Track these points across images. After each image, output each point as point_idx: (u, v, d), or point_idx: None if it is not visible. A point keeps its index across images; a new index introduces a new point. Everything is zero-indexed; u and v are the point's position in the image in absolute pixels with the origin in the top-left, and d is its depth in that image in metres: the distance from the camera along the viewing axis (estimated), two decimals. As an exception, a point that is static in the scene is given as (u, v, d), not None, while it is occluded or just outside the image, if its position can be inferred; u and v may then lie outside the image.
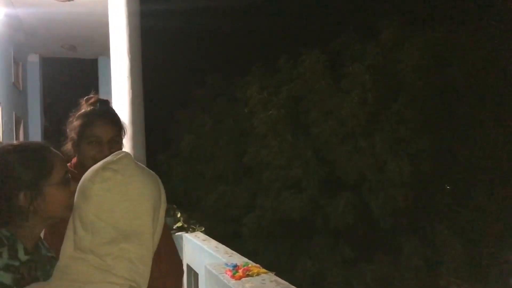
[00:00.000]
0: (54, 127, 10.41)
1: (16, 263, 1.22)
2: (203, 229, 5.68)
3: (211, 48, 19.12)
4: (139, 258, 1.00)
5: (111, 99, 7.78)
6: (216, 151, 15.86)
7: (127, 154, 1.10)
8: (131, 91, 5.01)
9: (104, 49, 8.75)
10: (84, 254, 0.99)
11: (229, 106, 16.52)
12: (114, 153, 1.12)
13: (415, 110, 12.85)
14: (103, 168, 1.04)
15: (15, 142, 1.39)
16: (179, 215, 5.64)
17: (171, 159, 16.22)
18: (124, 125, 1.98)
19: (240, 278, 3.09)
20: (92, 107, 1.91)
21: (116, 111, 2.01)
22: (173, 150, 16.55)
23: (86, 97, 1.97)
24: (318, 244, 13.32)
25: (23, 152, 1.31)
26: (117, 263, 0.98)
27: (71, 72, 11.68)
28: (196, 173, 15.93)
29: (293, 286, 2.89)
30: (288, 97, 14.19)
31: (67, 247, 1.04)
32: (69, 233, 1.07)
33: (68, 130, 1.93)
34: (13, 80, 7.13)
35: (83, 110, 1.92)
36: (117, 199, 1.00)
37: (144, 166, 1.13)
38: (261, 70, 15.36)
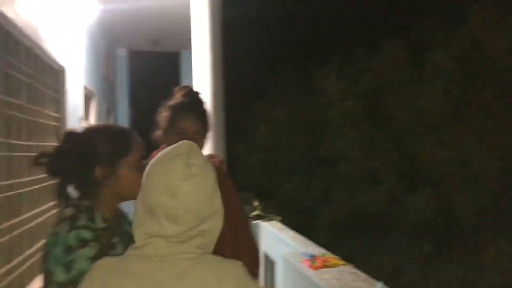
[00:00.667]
0: (139, 117, 11.02)
1: (94, 227, 1.39)
2: (279, 218, 5.74)
3: (287, 38, 19.00)
4: (209, 231, 1.12)
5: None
6: (291, 142, 15.89)
7: (193, 144, 1.17)
8: (212, 84, 5.14)
9: (187, 43, 9.10)
10: (181, 237, 1.09)
11: (306, 97, 16.44)
12: (180, 143, 1.17)
13: (504, 101, 11.98)
14: (188, 165, 1.10)
15: (103, 123, 1.58)
16: (256, 203, 5.74)
17: (247, 150, 16.50)
18: (210, 119, 2.06)
19: (318, 268, 3.08)
20: (182, 98, 2.00)
21: (204, 103, 2.07)
22: (249, 141, 16.81)
23: (180, 86, 2.07)
24: (395, 239, 12.94)
25: (107, 132, 1.51)
26: (193, 238, 1.09)
27: (155, 65, 12.23)
28: (272, 164, 16.08)
29: (372, 279, 2.85)
30: (366, 87, 13.86)
31: (152, 228, 1.10)
32: (138, 216, 1.14)
33: (158, 118, 2.05)
34: (104, 74, 7.62)
35: (173, 101, 2.03)
36: (200, 191, 1.09)
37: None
38: (338, 60, 15.09)
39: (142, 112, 12.38)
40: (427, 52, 13.44)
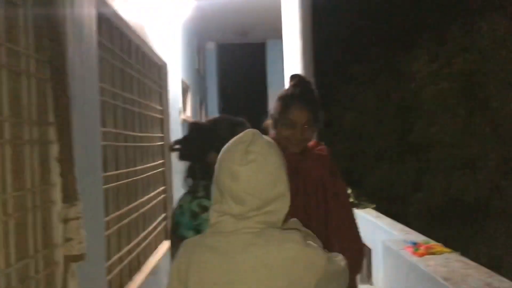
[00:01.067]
0: (227, 107, 11.41)
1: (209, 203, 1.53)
2: (374, 206, 5.68)
3: (373, 20, 18.30)
4: (274, 212, 1.23)
5: (279, 80, 8.17)
6: (379, 129, 15.43)
7: (257, 132, 1.27)
8: (303, 71, 5.17)
9: (272, 33, 9.22)
10: (243, 216, 1.21)
11: (394, 81, 15.79)
12: (245, 132, 1.28)
13: None
14: (246, 152, 1.22)
15: (221, 115, 1.80)
16: (350, 191, 5.73)
17: (334, 137, 16.30)
18: (320, 109, 2.09)
19: (422, 255, 3.03)
20: (293, 88, 2.06)
21: (315, 92, 2.10)
22: (336, 128, 16.59)
23: (292, 75, 2.14)
24: (495, 229, 12.13)
25: (225, 122, 1.77)
26: (257, 216, 1.20)
27: (242, 56, 12.51)
28: (359, 151, 15.78)
29: (483, 268, 2.75)
30: (462, 69, 12.94)
31: (228, 207, 1.23)
32: (214, 196, 1.28)
33: (271, 108, 2.13)
34: (197, 67, 7.98)
35: (285, 91, 2.10)
36: (260, 176, 1.20)
37: (267, 137, 1.29)
38: (429, 41, 14.25)
39: (230, 101, 12.83)
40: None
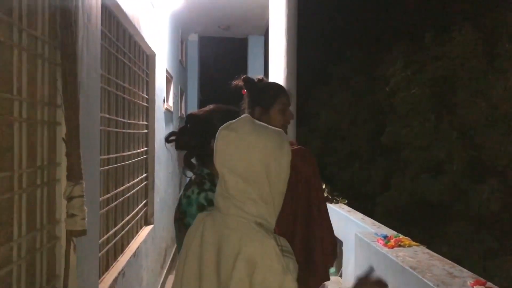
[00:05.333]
0: (206, 99, 11.49)
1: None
2: (346, 201, 5.93)
3: (352, 22, 18.72)
4: (259, 197, 1.26)
5: (260, 75, 8.31)
6: (353, 129, 15.82)
7: (245, 116, 1.36)
8: (286, 68, 5.33)
9: (254, 28, 9.38)
10: (228, 194, 1.29)
11: (369, 83, 16.23)
12: (239, 118, 1.37)
13: None
14: (223, 127, 1.32)
15: (218, 105, 1.91)
16: (323, 186, 5.96)
17: (308, 134, 16.59)
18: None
19: (392, 247, 3.25)
20: (270, 82, 2.35)
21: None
22: (311, 125, 16.88)
23: (244, 77, 2.37)
24: (457, 230, 12.67)
25: (220, 111, 1.86)
26: (245, 202, 1.26)
27: (223, 50, 12.58)
28: (332, 149, 16.12)
29: (447, 260, 2.99)
30: (433, 75, 13.45)
31: (220, 188, 1.33)
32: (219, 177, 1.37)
33: (257, 98, 2.32)
34: (179, 58, 8.04)
35: (265, 84, 2.34)
36: (232, 150, 1.27)
37: (267, 126, 1.35)
38: (405, 47, 14.73)
39: (210, 94, 12.90)
40: (500, 40, 12.83)
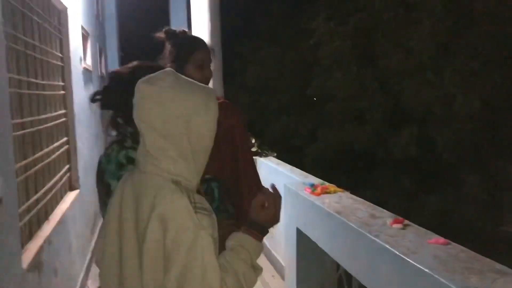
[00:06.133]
0: (128, 56, 11.02)
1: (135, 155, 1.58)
2: (275, 154, 6.05)
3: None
4: (178, 154, 1.24)
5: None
6: (280, 83, 15.97)
7: (168, 70, 1.33)
8: (210, 23, 5.19)
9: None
10: (146, 151, 1.27)
11: (295, 37, 16.30)
12: (160, 71, 1.33)
13: (489, 42, 12.11)
14: (142, 81, 1.28)
15: (142, 62, 1.82)
16: (253, 141, 6.03)
17: (236, 91, 16.56)
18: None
19: (319, 194, 3.38)
20: (188, 34, 2.23)
21: None
22: (238, 82, 16.82)
23: (168, 29, 2.23)
24: (379, 176, 13.50)
25: (144, 68, 1.73)
26: (162, 159, 1.24)
27: (143, 3, 11.99)
28: (260, 105, 16.25)
29: (368, 202, 3.16)
30: (355, 27, 13.77)
31: (140, 146, 1.31)
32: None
33: (169, 53, 2.21)
34: (95, 12, 7.56)
35: (182, 37, 2.22)
36: (150, 105, 1.22)
37: (191, 81, 1.32)
38: (328, -1, 14.91)
39: (131, 50, 12.34)
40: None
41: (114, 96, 1.76)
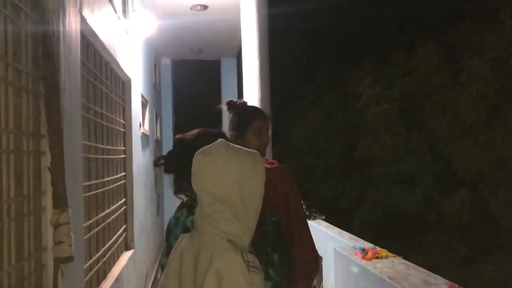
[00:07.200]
0: (181, 121, 11.53)
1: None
2: (323, 217, 6.05)
3: (321, 43, 19.18)
4: (233, 216, 1.34)
5: (232, 96, 8.40)
6: (326, 145, 16.07)
7: (220, 142, 1.45)
8: (260, 89, 5.45)
9: (226, 51, 9.54)
10: (204, 214, 1.39)
11: (340, 100, 16.58)
12: (214, 143, 1.46)
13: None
14: (198, 152, 1.41)
15: (204, 129, 1.97)
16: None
17: (283, 152, 16.76)
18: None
19: (370, 259, 3.36)
20: (247, 105, 2.41)
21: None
22: (285, 144, 17.06)
23: (230, 101, 2.45)
24: (431, 241, 12.95)
25: (206, 134, 1.90)
26: (219, 220, 1.35)
27: (196, 72, 12.67)
28: (307, 166, 16.30)
29: (421, 268, 3.11)
30: (401, 91, 13.88)
31: (198, 209, 1.43)
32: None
33: (232, 122, 2.40)
34: (153, 82, 8.10)
35: (242, 107, 2.40)
36: (207, 173, 1.35)
37: (240, 148, 1.43)
38: (373, 64, 15.20)
39: (184, 116, 12.97)
40: (463, 55, 13.39)
41: (178, 161, 1.90)
